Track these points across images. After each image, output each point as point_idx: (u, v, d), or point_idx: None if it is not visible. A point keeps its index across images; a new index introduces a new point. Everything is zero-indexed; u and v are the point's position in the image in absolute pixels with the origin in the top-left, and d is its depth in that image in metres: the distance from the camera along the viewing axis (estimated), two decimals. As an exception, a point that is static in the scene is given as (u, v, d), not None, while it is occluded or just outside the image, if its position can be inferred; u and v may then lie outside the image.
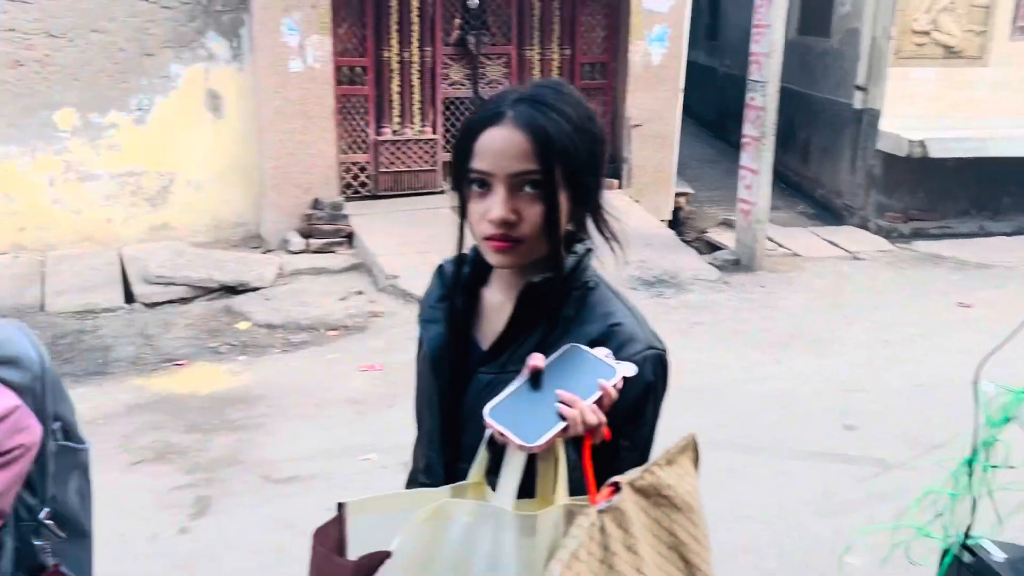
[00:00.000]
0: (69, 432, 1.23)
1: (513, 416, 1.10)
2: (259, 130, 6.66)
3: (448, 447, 1.33)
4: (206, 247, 6.66)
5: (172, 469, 3.83)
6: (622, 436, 1.23)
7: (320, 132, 6.78)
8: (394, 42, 7.17)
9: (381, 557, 1.05)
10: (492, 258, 1.26)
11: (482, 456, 1.19)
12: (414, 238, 6.60)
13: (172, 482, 3.71)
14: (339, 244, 6.71)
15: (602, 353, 1.18)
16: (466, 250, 1.38)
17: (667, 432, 1.32)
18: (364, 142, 7.26)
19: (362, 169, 7.29)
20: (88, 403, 4.43)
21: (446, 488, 1.21)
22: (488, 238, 1.23)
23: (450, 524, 1.10)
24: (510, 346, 1.29)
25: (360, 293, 6.04)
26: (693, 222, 8.22)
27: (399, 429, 4.18)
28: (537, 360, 1.15)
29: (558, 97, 1.24)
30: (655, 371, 1.27)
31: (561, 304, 1.28)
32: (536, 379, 1.14)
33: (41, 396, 1.17)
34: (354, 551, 1.15)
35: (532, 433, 1.08)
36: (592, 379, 1.13)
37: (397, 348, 5.16)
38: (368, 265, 6.41)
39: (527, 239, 1.23)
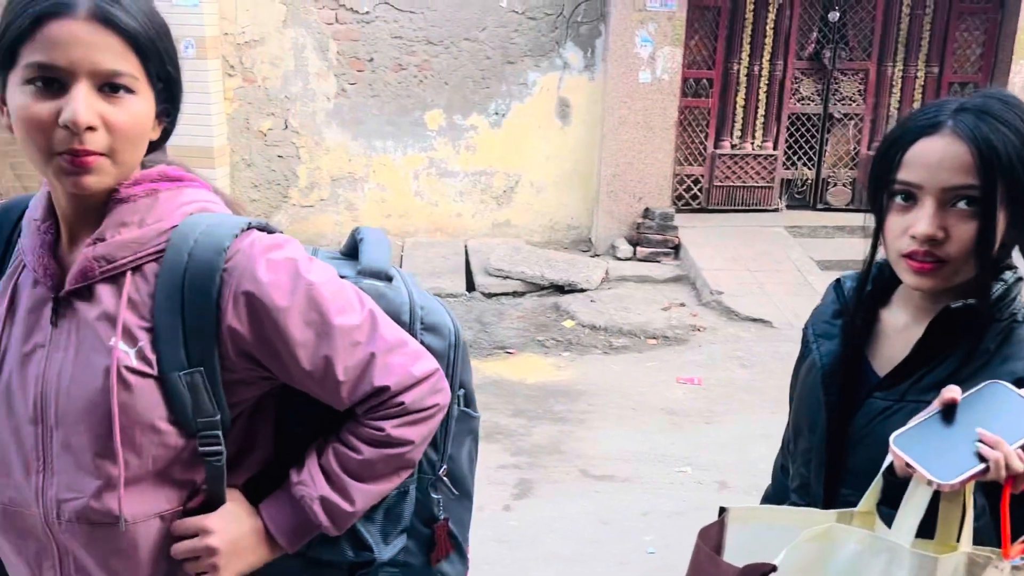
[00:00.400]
0: (469, 399, 1.31)
1: (922, 449, 1.02)
2: (601, 138, 6.89)
3: (830, 469, 1.27)
4: (540, 246, 7.03)
5: (499, 448, 4.08)
6: (1046, 489, 1.09)
7: (659, 143, 6.86)
8: (744, 55, 7.06)
9: (766, 569, 1.03)
10: (909, 278, 1.18)
11: (877, 485, 1.12)
12: (743, 255, 6.45)
13: (499, 460, 3.96)
14: (665, 254, 6.75)
15: None
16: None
17: None
18: (701, 154, 7.24)
19: (696, 182, 7.27)
20: (431, 376, 4.88)
21: (832, 512, 1.16)
22: (908, 255, 1.16)
23: (837, 548, 1.05)
24: (913, 374, 1.21)
25: (682, 305, 6.03)
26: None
27: (715, 447, 4.16)
28: (953, 393, 1.06)
29: (1005, 108, 1.13)
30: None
31: (982, 336, 1.17)
32: (949, 413, 1.05)
33: (453, 363, 1.25)
34: (730, 556, 1.14)
35: (945, 470, 0.99)
36: (1019, 421, 1.02)
37: (717, 365, 5.08)
38: (692, 278, 6.38)
39: (952, 260, 1.14)
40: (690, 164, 7.25)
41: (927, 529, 1.08)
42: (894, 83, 7.19)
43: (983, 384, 1.08)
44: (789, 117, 7.23)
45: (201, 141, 6.43)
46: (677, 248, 6.77)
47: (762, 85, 7.14)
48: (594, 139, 7.00)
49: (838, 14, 6.96)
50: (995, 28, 7.07)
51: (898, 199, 1.17)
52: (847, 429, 1.25)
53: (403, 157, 6.98)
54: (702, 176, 7.27)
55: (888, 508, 1.09)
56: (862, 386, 1.26)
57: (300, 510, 1.15)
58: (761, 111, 7.21)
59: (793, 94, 7.19)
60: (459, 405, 1.28)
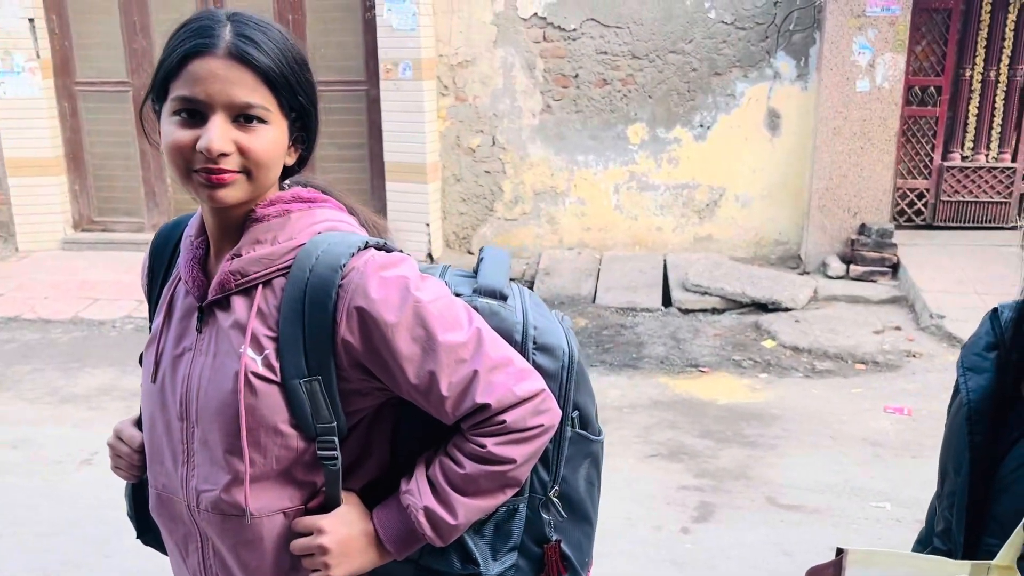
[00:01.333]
0: (586, 422, 1.32)
1: None
2: (813, 150, 6.56)
3: (973, 515, 1.15)
4: (744, 262, 6.80)
5: (682, 468, 4.00)
6: None
7: (878, 154, 6.42)
8: (979, 60, 6.46)
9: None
10: None
11: (1019, 538, 1.01)
12: (972, 277, 5.89)
13: (680, 481, 3.88)
14: (882, 274, 6.30)
15: None
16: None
17: None
18: (927, 167, 6.70)
19: (920, 196, 6.74)
20: (618, 391, 4.86)
21: (966, 564, 1.05)
22: None
23: (964, 605, 0.95)
24: (1075, 417, 1.07)
25: (898, 329, 5.60)
26: None
27: (920, 483, 3.83)
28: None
29: None
30: None
31: None
32: None
33: (565, 384, 1.26)
34: (845, 602, 1.06)
35: None
36: None
37: (932, 395, 4.67)
38: (911, 300, 5.91)
39: None
40: (914, 177, 6.73)
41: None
42: None
43: None
44: (1033, 125, 6.53)
45: (415, 158, 6.82)
46: (895, 267, 6.30)
47: (999, 92, 6.49)
48: (805, 151, 6.68)
49: (1096, 9, 6.20)
50: None
51: None
52: (995, 473, 1.13)
53: (604, 171, 7.02)
54: (927, 190, 6.72)
55: (1032, 566, 0.97)
56: (1016, 428, 1.13)
57: (407, 518, 1.21)
58: (998, 120, 6.56)
59: (1038, 100, 6.48)
60: (573, 427, 1.29)
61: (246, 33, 1.12)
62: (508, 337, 1.23)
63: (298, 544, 1.21)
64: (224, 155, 1.11)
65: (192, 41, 1.11)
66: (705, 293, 6.18)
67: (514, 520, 1.27)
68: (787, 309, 5.94)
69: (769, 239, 6.98)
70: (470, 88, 6.97)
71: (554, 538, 1.29)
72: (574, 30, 6.78)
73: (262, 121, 1.14)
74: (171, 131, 1.13)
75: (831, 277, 6.39)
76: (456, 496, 1.19)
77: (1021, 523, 0.99)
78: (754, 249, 7.00)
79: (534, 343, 1.25)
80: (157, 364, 1.26)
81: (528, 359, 1.23)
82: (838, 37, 6.29)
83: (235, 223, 1.20)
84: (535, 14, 6.79)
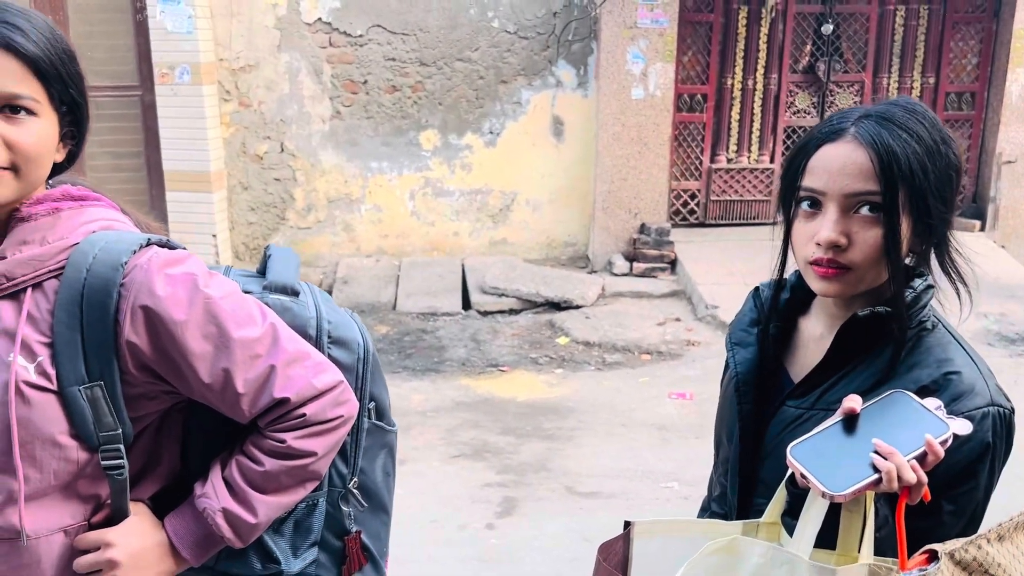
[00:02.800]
0: (382, 413, 1.32)
1: (819, 459, 1.01)
2: (596, 155, 6.90)
3: (744, 479, 1.26)
4: (537, 263, 7.03)
5: (485, 467, 4.07)
6: (947, 498, 1.08)
7: (654, 158, 6.86)
8: (738, 69, 7.07)
9: (663, 582, 1.02)
10: (816, 284, 1.17)
11: (781, 495, 1.11)
12: (740, 269, 6.42)
13: (484, 479, 3.94)
14: (662, 270, 6.73)
15: (932, 404, 1.04)
16: (787, 275, 1.31)
17: (1011, 507, 1.13)
18: (697, 169, 7.23)
19: (692, 196, 7.26)
20: (421, 396, 4.87)
21: (738, 523, 1.15)
22: (813, 262, 1.15)
23: (739, 561, 1.04)
24: (824, 382, 1.20)
25: (678, 320, 6.00)
26: (1072, 276, 7.10)
27: (704, 461, 4.08)
28: (854, 402, 1.05)
29: (908, 116, 1.13)
30: (996, 431, 1.10)
31: (888, 343, 1.16)
32: (851, 423, 1.04)
33: (362, 377, 1.27)
34: (637, 571, 1.13)
35: (838, 481, 0.98)
36: (917, 432, 1.00)
37: (711, 379, 5.02)
38: (689, 293, 6.36)
39: (857, 266, 1.13)
40: (686, 179, 7.24)
41: (832, 539, 1.07)
42: (890, 94, 7.15)
43: (886, 393, 1.07)
44: (785, 130, 7.22)
45: (198, 165, 6.49)
46: (674, 263, 6.75)
47: (757, 99, 7.13)
48: (589, 156, 7.01)
49: (831, 27, 6.95)
50: (990, 36, 7.05)
51: (804, 206, 1.17)
52: (762, 439, 1.24)
53: (399, 177, 7.02)
54: (699, 191, 7.26)
55: (792, 519, 1.07)
56: (778, 395, 1.25)
57: (203, 522, 1.16)
58: (757, 125, 7.20)
59: (788, 107, 7.18)
60: (370, 418, 1.29)
61: (9, 20, 1.04)
62: (302, 332, 1.21)
63: (83, 562, 1.13)
64: None
65: None
66: (502, 295, 6.33)
67: (314, 515, 1.26)
68: (578, 307, 6.20)
69: (559, 241, 7.26)
70: (254, 93, 6.74)
71: (354, 529, 1.29)
72: (360, 36, 6.73)
73: (31, 113, 1.06)
74: None
75: (617, 275, 6.74)
76: (255, 495, 1.16)
77: (783, 482, 1.10)
78: (546, 251, 7.25)
79: (329, 337, 1.24)
80: None
81: (324, 353, 1.22)
82: (613, 47, 6.65)
83: None
84: (319, 19, 6.67)
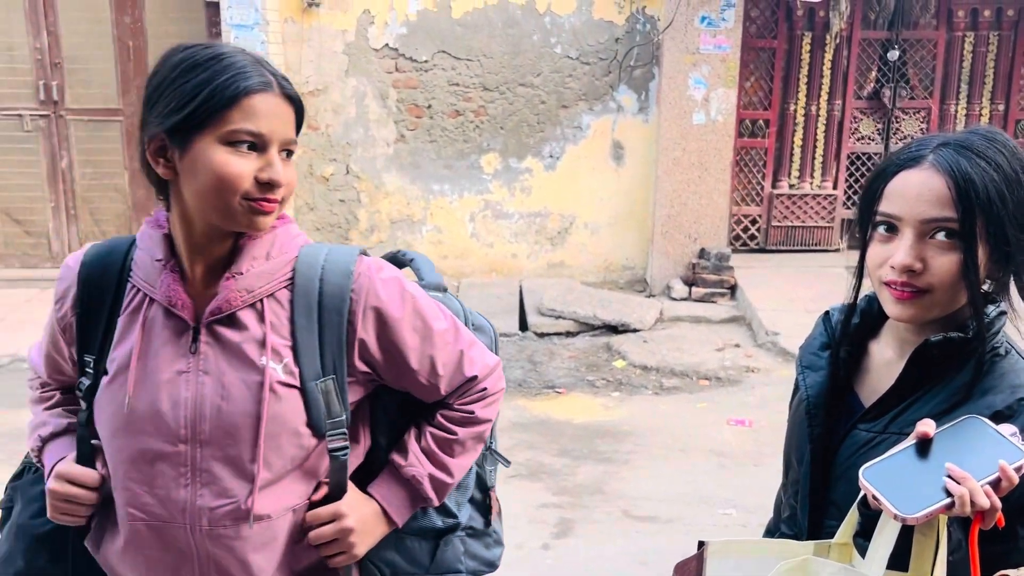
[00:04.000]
0: None
1: (891, 482, 1.02)
2: (656, 179, 6.91)
3: (814, 500, 1.27)
4: (595, 287, 7.04)
5: (542, 487, 4.08)
6: (1022, 524, 1.08)
7: (715, 183, 6.84)
8: (802, 95, 7.03)
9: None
10: (890, 307, 1.18)
11: (852, 517, 1.12)
12: (801, 295, 6.35)
13: (541, 499, 3.96)
14: (721, 295, 6.69)
15: (1008, 431, 1.05)
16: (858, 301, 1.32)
17: None
18: (759, 195, 7.19)
19: (753, 222, 7.22)
20: (479, 415, 4.91)
21: (810, 544, 1.16)
22: (887, 283, 1.17)
23: (810, 580, 1.05)
24: (896, 407, 1.20)
25: (737, 346, 5.95)
26: None
27: (762, 490, 4.04)
28: (927, 426, 1.06)
29: (988, 144, 1.14)
30: (1075, 459, 1.09)
31: (960, 369, 1.16)
32: (924, 447, 1.05)
33: (495, 354, 1.47)
34: (709, 589, 1.15)
35: (910, 504, 0.99)
36: (991, 457, 1.01)
37: (770, 407, 4.99)
38: (748, 319, 6.30)
39: (932, 291, 1.14)
40: (747, 204, 7.21)
41: (904, 562, 1.07)
42: (958, 121, 7.04)
43: (961, 419, 1.08)
44: (849, 157, 7.15)
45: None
46: (733, 288, 6.71)
47: (820, 125, 7.08)
48: (648, 180, 7.03)
49: (898, 53, 6.88)
50: (1063, 64, 6.90)
51: (881, 230, 1.19)
52: (832, 461, 1.25)
53: (459, 200, 7.12)
54: (759, 216, 7.21)
55: (864, 540, 1.08)
56: (848, 418, 1.26)
57: (409, 488, 1.35)
58: (820, 151, 7.14)
59: (852, 133, 7.11)
60: None
61: (277, 72, 1.24)
62: None
63: (323, 532, 1.29)
64: (280, 185, 1.21)
65: (247, 81, 1.18)
66: (559, 317, 6.35)
67: (470, 474, 1.46)
68: (635, 330, 6.20)
69: (617, 264, 7.27)
70: (322, 117, 6.92)
71: (492, 484, 1.51)
72: (426, 61, 6.87)
73: (290, 155, 1.25)
74: (227, 159, 1.18)
75: (675, 299, 6.72)
76: (449, 460, 1.36)
77: (855, 503, 1.11)
78: (604, 274, 7.27)
79: (472, 325, 1.44)
80: (131, 395, 1.24)
81: None
82: (675, 73, 6.68)
83: (228, 244, 1.26)
84: (387, 45, 6.83)
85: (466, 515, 1.46)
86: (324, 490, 1.30)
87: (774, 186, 7.16)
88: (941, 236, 1.13)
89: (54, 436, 1.38)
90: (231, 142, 1.18)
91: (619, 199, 7.13)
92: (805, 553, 1.10)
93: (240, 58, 1.20)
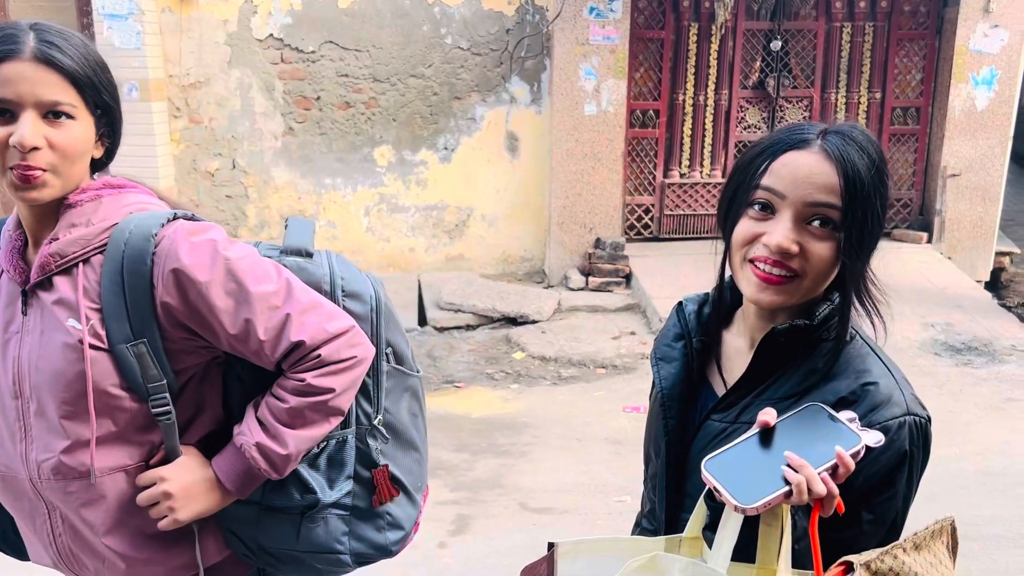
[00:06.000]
0: (401, 359, 1.45)
1: (732, 472, 1.01)
2: (550, 170, 6.93)
3: (671, 494, 1.26)
4: (494, 279, 7.02)
5: (439, 484, 4.03)
6: (866, 508, 1.08)
7: (608, 173, 6.91)
8: (690, 85, 7.15)
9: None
10: (751, 290, 1.15)
11: (701, 510, 1.11)
12: (694, 283, 6.46)
13: (437, 497, 3.91)
14: (617, 284, 6.77)
15: (846, 417, 1.05)
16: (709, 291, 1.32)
17: (959, 519, 1.14)
18: (651, 184, 7.29)
19: (647, 211, 7.32)
20: (375, 413, 4.83)
21: (661, 539, 1.15)
22: (752, 261, 1.15)
23: (661, 577, 1.03)
24: (746, 396, 1.20)
25: (633, 334, 6.03)
26: (1016, 286, 7.28)
27: (658, 475, 4.13)
28: (768, 416, 1.05)
29: (867, 140, 1.14)
30: (914, 440, 1.11)
31: (808, 356, 1.16)
32: (766, 436, 1.05)
33: (376, 324, 1.41)
34: (561, 590, 1.12)
35: (749, 494, 0.98)
36: (829, 445, 1.01)
37: (665, 392, 5.07)
38: (643, 306, 6.39)
39: (802, 277, 1.13)
40: (640, 194, 7.30)
41: (753, 553, 1.07)
42: (838, 109, 7.29)
43: (803, 406, 1.08)
44: (736, 145, 7.31)
45: (148, 183, 6.37)
46: (628, 277, 6.79)
47: (708, 114, 7.23)
48: (543, 171, 7.04)
49: (780, 43, 7.08)
50: (933, 53, 7.22)
51: (755, 207, 1.16)
52: (688, 454, 1.24)
53: (353, 194, 6.98)
54: (652, 205, 7.32)
55: (714, 533, 1.07)
56: (703, 409, 1.25)
57: (242, 458, 1.33)
58: (708, 140, 7.29)
59: (739, 122, 7.28)
60: (389, 362, 1.43)
61: (49, 39, 1.23)
62: (317, 288, 1.36)
63: (144, 496, 1.31)
64: (36, 149, 1.21)
65: (0, 47, 1.21)
66: (459, 311, 6.31)
67: (344, 450, 1.40)
68: (534, 321, 6.21)
69: (516, 256, 7.26)
70: (205, 110, 6.67)
71: (382, 462, 1.41)
72: (312, 52, 6.70)
73: (69, 117, 1.24)
74: None
75: (573, 289, 6.76)
76: (284, 430, 1.31)
77: (701, 496, 1.10)
78: (503, 266, 7.25)
79: (343, 291, 1.38)
80: None
81: (339, 305, 1.37)
82: (565, 64, 6.70)
83: (49, 213, 1.30)
84: (271, 35, 6.63)
85: (339, 493, 1.40)
86: (161, 454, 1.33)
87: (665, 175, 7.28)
88: (817, 224, 1.12)
89: None
90: None
91: (515, 190, 7.12)
92: (656, 549, 1.09)
93: (7, 31, 1.23)
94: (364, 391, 1.40)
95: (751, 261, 1.15)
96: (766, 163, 1.15)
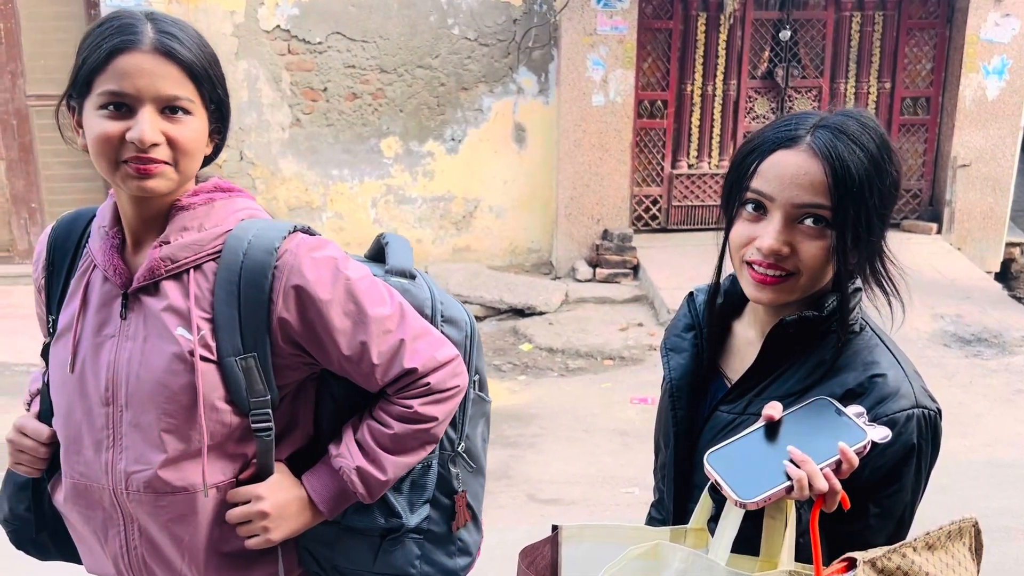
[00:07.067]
0: (482, 385, 1.46)
1: (735, 466, 1.01)
2: (558, 161, 6.91)
3: (680, 484, 1.25)
4: (501, 270, 7.02)
5: (446, 476, 4.04)
6: (873, 501, 1.08)
7: (615, 164, 6.88)
8: (698, 76, 7.12)
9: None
10: (750, 290, 1.16)
11: (706, 502, 1.11)
12: (702, 274, 6.40)
13: (444, 488, 3.92)
14: (624, 275, 6.75)
15: (854, 412, 1.04)
16: (722, 280, 1.31)
17: (963, 510, 1.13)
18: (659, 175, 7.27)
19: (654, 202, 7.29)
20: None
21: (666, 529, 1.14)
22: (749, 263, 1.14)
23: (662, 567, 1.03)
24: (754, 387, 1.19)
25: (640, 325, 6.02)
26: (1027, 276, 7.24)
27: (665, 467, 4.13)
28: (773, 409, 1.04)
29: (862, 130, 1.12)
30: (922, 433, 1.10)
31: (817, 347, 1.15)
32: (772, 430, 1.04)
33: (469, 351, 1.40)
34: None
35: (750, 488, 0.98)
36: (834, 440, 1.00)
37: (673, 384, 5.06)
38: (651, 298, 6.38)
39: (797, 275, 1.12)
40: (648, 185, 7.28)
41: (757, 545, 1.06)
42: (847, 99, 7.25)
43: (810, 400, 1.07)
44: (745, 136, 7.26)
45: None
46: (636, 269, 6.77)
47: (716, 105, 7.19)
48: (551, 162, 7.02)
49: (789, 33, 7.03)
50: (943, 42, 7.16)
51: (748, 208, 1.16)
52: (696, 444, 1.24)
53: (360, 185, 6.97)
54: (660, 196, 7.29)
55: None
56: (713, 400, 1.25)
57: (339, 480, 1.30)
58: (717, 130, 7.25)
59: (748, 113, 7.24)
60: (475, 389, 1.43)
61: (167, 30, 1.20)
62: (420, 311, 1.34)
63: (236, 513, 1.27)
64: (155, 145, 1.17)
65: (117, 38, 1.17)
66: (466, 302, 6.30)
67: (428, 475, 1.38)
68: (542, 313, 6.20)
69: (523, 247, 7.25)
70: (213, 102, 6.66)
71: (460, 489, 1.41)
72: (320, 43, 6.68)
73: (187, 112, 1.21)
74: (99, 124, 1.18)
75: (580, 280, 6.75)
76: (384, 455, 1.29)
77: (706, 487, 1.09)
78: (510, 258, 7.24)
79: (442, 316, 1.37)
80: (75, 354, 1.27)
81: (438, 330, 1.35)
82: (573, 54, 6.67)
83: (158, 213, 1.26)
84: (278, 26, 6.62)
85: (419, 518, 1.38)
86: (251, 470, 1.29)
87: (673, 166, 7.25)
88: (809, 222, 1.11)
89: (40, 391, 1.41)
90: (101, 105, 1.18)
91: (523, 182, 7.10)
92: (660, 538, 1.08)
93: (125, 19, 1.20)
94: (452, 419, 1.39)
95: (748, 263, 1.15)
96: (755, 164, 1.15)
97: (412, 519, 1.37)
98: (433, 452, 1.38)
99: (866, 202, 1.10)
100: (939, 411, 1.14)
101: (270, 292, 1.22)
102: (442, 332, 1.36)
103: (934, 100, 7.26)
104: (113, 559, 1.33)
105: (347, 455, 1.30)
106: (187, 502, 1.25)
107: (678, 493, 1.27)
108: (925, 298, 6.02)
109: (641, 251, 6.80)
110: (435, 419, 1.30)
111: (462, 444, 1.41)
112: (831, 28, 7.10)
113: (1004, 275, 7.16)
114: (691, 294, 1.36)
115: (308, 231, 1.30)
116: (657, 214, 7.31)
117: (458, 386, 1.33)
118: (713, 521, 1.09)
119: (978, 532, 1.07)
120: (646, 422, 4.66)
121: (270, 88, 6.71)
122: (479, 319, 6.20)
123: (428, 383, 1.29)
